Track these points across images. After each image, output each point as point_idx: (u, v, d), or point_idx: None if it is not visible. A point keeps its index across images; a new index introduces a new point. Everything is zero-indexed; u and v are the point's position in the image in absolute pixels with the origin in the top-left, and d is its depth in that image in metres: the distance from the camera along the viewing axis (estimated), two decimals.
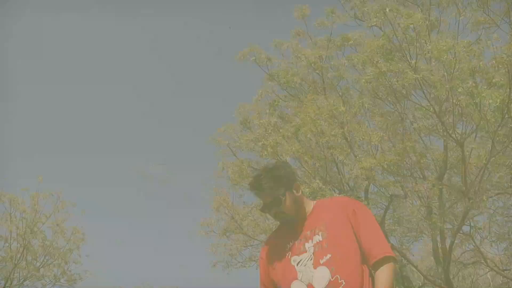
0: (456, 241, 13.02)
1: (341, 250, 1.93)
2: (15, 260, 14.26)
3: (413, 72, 6.81)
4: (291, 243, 2.05)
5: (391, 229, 11.85)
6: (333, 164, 9.50)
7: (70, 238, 15.73)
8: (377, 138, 8.51)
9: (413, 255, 13.09)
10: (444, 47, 6.39)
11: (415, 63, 6.92)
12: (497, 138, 7.35)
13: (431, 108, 7.55)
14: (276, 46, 11.27)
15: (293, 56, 10.71)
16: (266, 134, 8.65)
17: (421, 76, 6.86)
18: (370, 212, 2.19)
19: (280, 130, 8.85)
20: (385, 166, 7.81)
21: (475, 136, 8.49)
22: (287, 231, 2.10)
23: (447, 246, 9.73)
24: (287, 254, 2.03)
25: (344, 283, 1.86)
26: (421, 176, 9.79)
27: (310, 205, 2.15)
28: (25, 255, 14.50)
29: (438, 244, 9.80)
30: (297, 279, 1.96)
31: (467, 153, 8.74)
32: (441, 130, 7.85)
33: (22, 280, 14.72)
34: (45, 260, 15.21)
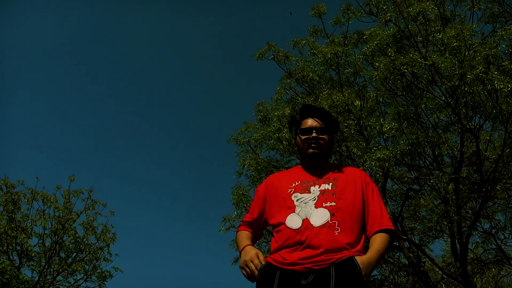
0: (478, 240, 12.88)
1: (346, 204, 2.08)
2: (48, 255, 14.96)
3: (422, 60, 6.91)
4: (296, 183, 2.20)
5: (410, 226, 11.88)
6: (348, 158, 9.65)
7: (100, 236, 16.46)
8: (391, 131, 8.61)
9: (431, 251, 13.00)
10: (452, 33, 6.49)
11: (425, 51, 7.02)
12: (510, 129, 7.34)
13: (443, 97, 7.61)
14: (295, 45, 11.54)
15: (310, 53, 10.93)
16: (281, 127, 8.89)
17: (430, 62, 6.94)
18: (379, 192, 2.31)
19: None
20: (398, 156, 7.89)
21: (491, 128, 8.47)
22: (295, 175, 2.30)
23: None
24: (290, 191, 2.17)
25: (340, 229, 1.99)
26: (438, 169, 9.84)
27: (333, 164, 2.45)
28: (57, 251, 15.23)
29: (456, 239, 9.72)
30: (294, 212, 2.08)
31: (483, 145, 8.76)
32: (455, 121, 7.88)
33: (55, 275, 15.43)
34: (76, 257, 15.94)
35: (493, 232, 11.28)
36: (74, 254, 15.82)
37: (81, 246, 15.79)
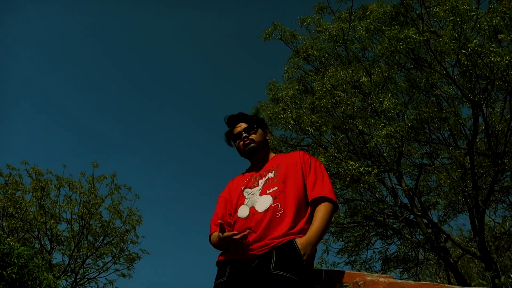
0: (506, 214, 12.60)
1: (288, 186, 2.26)
2: (77, 239, 15.73)
3: (417, 35, 6.77)
4: (247, 180, 2.46)
5: (433, 201, 11.75)
6: (358, 134, 9.59)
7: (126, 219, 17.11)
8: (396, 106, 8.50)
9: (451, 228, 12.84)
10: (447, 7, 6.30)
11: (422, 26, 6.84)
12: None
13: (444, 72, 7.43)
14: (302, 23, 11.43)
15: (315, 31, 10.82)
16: (285, 107, 8.93)
17: (423, 38, 6.79)
18: (323, 166, 2.46)
19: (298, 102, 9.10)
20: (402, 133, 7.80)
21: (504, 103, 8.18)
22: (246, 175, 2.56)
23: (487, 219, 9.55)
24: (242, 187, 2.42)
25: (282, 210, 2.16)
26: (452, 144, 9.65)
27: (272, 154, 2.63)
28: (85, 235, 15.98)
29: (474, 215, 9.57)
30: (244, 203, 2.30)
31: (497, 118, 8.51)
32: (461, 96, 7.69)
33: (84, 258, 16.23)
34: (104, 240, 16.67)
35: None
36: (102, 237, 16.53)
37: (107, 229, 16.46)
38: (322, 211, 2.17)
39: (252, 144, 2.48)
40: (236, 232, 2.10)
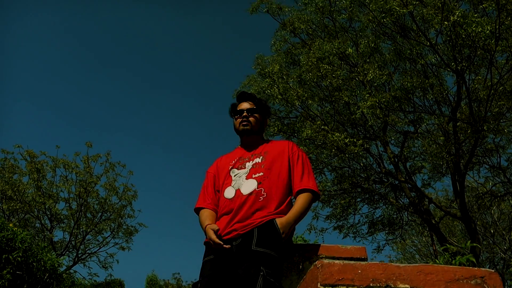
0: (488, 175, 13.02)
1: (273, 173, 2.41)
2: (76, 217, 16.03)
3: (401, 7, 6.84)
4: (234, 160, 2.58)
5: (417, 166, 12.10)
6: (344, 105, 9.76)
7: (122, 195, 17.40)
8: (382, 77, 8.64)
9: (435, 190, 13.28)
10: None
11: None
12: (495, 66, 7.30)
13: (428, 43, 7.55)
14: None
15: (302, 3, 10.76)
16: (272, 83, 9.04)
17: (406, 11, 6.86)
18: (308, 159, 2.60)
19: (285, 78, 9.20)
20: (386, 103, 8.00)
21: (487, 72, 8.31)
22: (235, 154, 2.70)
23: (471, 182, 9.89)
24: (230, 167, 2.55)
25: (265, 195, 2.31)
26: (436, 111, 9.88)
27: (265, 140, 2.76)
28: (84, 213, 16.27)
29: (456, 178, 9.92)
30: (230, 185, 2.44)
31: (480, 86, 8.71)
32: (443, 65, 7.84)
33: (84, 235, 16.58)
34: (102, 216, 17.00)
35: (506, 165, 11.48)
36: (100, 214, 16.84)
37: (105, 206, 16.75)
38: (303, 197, 2.36)
39: (247, 127, 2.60)
40: (221, 243, 2.25)
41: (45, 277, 5.36)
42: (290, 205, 2.41)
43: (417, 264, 1.49)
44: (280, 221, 2.24)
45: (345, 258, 2.75)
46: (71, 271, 11.42)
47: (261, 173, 2.41)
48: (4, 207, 14.46)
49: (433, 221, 10.26)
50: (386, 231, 11.83)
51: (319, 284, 1.43)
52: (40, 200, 14.95)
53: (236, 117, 2.66)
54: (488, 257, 19.24)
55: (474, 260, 3.39)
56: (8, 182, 14.63)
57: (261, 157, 2.52)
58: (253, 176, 2.41)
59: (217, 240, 2.25)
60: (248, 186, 2.37)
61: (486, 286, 1.47)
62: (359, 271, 1.45)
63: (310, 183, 2.43)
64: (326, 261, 1.43)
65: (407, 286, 1.44)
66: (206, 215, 2.49)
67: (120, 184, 17.41)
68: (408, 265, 1.49)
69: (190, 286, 28.65)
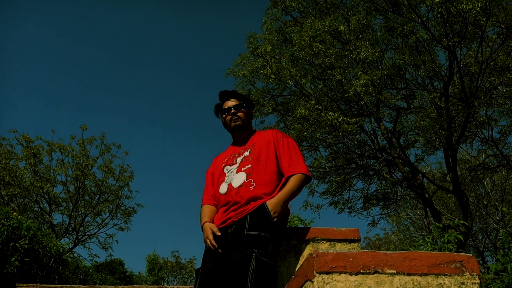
0: (481, 147, 13.25)
1: (259, 163, 2.55)
2: (74, 200, 16.22)
3: None
4: (227, 158, 2.75)
5: (411, 140, 12.31)
6: (338, 83, 9.85)
7: (118, 176, 17.56)
8: (374, 55, 8.71)
9: (428, 164, 13.55)
10: None
11: None
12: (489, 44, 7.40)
13: (419, 20, 7.60)
14: None
15: None
16: (265, 63, 9.09)
17: None
18: (295, 143, 2.72)
19: (277, 57, 9.25)
20: (379, 81, 8.11)
21: (478, 47, 8.38)
22: (228, 152, 2.86)
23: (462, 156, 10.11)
24: (223, 165, 2.72)
25: (255, 185, 2.45)
26: (428, 87, 10.00)
27: (253, 132, 2.88)
28: (81, 195, 16.46)
29: (448, 152, 10.14)
30: (224, 181, 2.61)
31: (472, 61, 8.80)
32: (434, 40, 7.92)
33: (83, 217, 16.83)
34: (100, 198, 17.20)
35: (498, 138, 11.71)
36: (97, 196, 17.04)
37: (102, 188, 16.93)
38: (294, 178, 2.48)
39: (238, 122, 2.73)
40: (215, 245, 2.40)
41: (51, 262, 5.57)
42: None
43: (402, 251, 1.66)
44: (270, 201, 2.38)
45: (339, 240, 2.95)
46: (75, 254, 11.66)
47: (249, 165, 2.55)
48: (3, 192, 14.60)
49: (427, 195, 10.54)
50: (381, 206, 12.14)
51: (315, 272, 1.59)
52: (38, 185, 15.10)
53: (224, 115, 2.78)
54: (481, 227, 19.76)
55: (461, 237, 3.58)
56: (5, 168, 14.72)
57: (249, 150, 2.65)
58: (242, 169, 2.56)
59: (213, 242, 2.40)
60: (238, 179, 2.53)
61: (464, 269, 1.64)
62: (351, 259, 1.61)
63: (299, 167, 2.54)
64: (321, 250, 1.59)
65: (393, 271, 1.61)
66: (206, 211, 2.65)
67: (116, 165, 17.58)
68: (395, 252, 1.65)
69: (189, 263, 29.30)
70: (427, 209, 12.23)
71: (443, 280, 1.61)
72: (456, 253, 1.67)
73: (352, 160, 10.78)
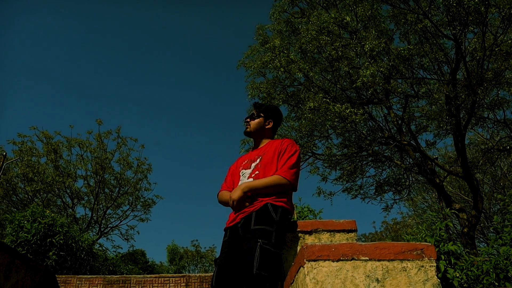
0: (493, 130, 13.48)
1: (265, 170, 2.93)
2: (95, 193, 17.02)
3: None
4: (245, 161, 3.15)
5: (422, 125, 12.60)
6: (346, 74, 10.21)
7: (136, 169, 18.29)
8: (382, 44, 9.03)
9: (437, 150, 13.82)
10: None
11: None
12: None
13: (421, 11, 7.90)
14: None
15: None
16: (273, 57, 9.50)
17: None
18: (295, 150, 3.04)
19: (285, 51, 9.64)
20: (385, 71, 8.46)
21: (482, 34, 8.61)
22: (248, 155, 3.34)
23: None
24: (240, 168, 3.13)
25: None
26: (436, 72, 10.29)
27: (267, 140, 3.32)
28: (102, 188, 17.25)
29: (458, 138, 10.43)
30: (238, 185, 2.98)
31: (476, 46, 9.05)
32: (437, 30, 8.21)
33: (105, 209, 17.64)
34: (120, 191, 17.98)
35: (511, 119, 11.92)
36: (117, 189, 17.81)
37: (121, 181, 17.69)
38: (272, 176, 2.86)
39: (247, 129, 3.20)
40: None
41: (83, 255, 6.20)
42: (286, 192, 2.93)
43: (374, 243, 2.15)
44: (247, 184, 2.83)
45: (338, 230, 3.46)
46: (103, 247, 12.40)
47: (257, 172, 2.97)
48: (27, 188, 15.44)
49: (437, 180, 10.90)
50: (393, 191, 12.53)
51: (305, 260, 2.10)
52: (60, 180, 15.90)
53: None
54: (500, 208, 19.98)
55: (451, 224, 4.03)
56: (28, 165, 15.54)
57: (260, 158, 3.06)
58: (252, 175, 2.98)
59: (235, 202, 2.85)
60: None
61: (424, 255, 2.14)
62: (333, 249, 2.11)
63: (285, 173, 2.87)
64: (309, 243, 2.10)
65: (367, 258, 2.11)
66: (225, 193, 3.12)
67: (134, 158, 18.31)
68: (368, 243, 2.15)
69: (209, 251, 30.17)
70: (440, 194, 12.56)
71: (406, 264, 2.10)
72: (418, 243, 2.15)
73: (363, 148, 11.17)
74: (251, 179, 2.98)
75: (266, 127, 3.28)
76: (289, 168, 2.93)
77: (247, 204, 2.90)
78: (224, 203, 3.10)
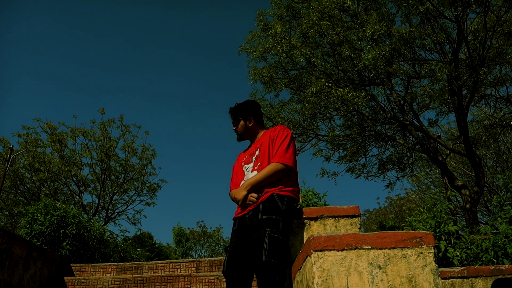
0: (496, 106, 13.54)
1: (266, 159, 3.06)
2: (101, 180, 17.28)
3: None
4: (246, 157, 3.31)
5: (425, 103, 12.68)
6: (347, 58, 10.25)
7: (141, 155, 18.52)
8: (383, 28, 9.05)
9: (440, 127, 13.91)
10: None
11: None
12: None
13: None
14: None
15: None
16: (275, 44, 9.55)
17: None
18: (286, 133, 3.14)
19: (287, 37, 9.68)
20: (387, 55, 8.51)
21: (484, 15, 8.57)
22: (247, 151, 3.49)
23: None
24: (242, 163, 3.29)
25: None
26: (439, 52, 10.31)
27: (261, 132, 3.47)
28: (108, 175, 17.51)
29: (459, 116, 10.52)
30: (243, 180, 3.15)
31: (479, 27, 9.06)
32: (441, 9, 8.22)
33: (111, 196, 17.94)
34: (125, 177, 18.24)
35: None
36: (123, 175, 18.06)
37: (126, 167, 17.93)
38: (269, 166, 2.98)
39: (237, 137, 3.38)
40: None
41: (94, 243, 6.43)
42: (288, 178, 3.06)
43: (376, 232, 2.31)
44: (248, 182, 3.00)
45: (342, 216, 3.62)
46: (114, 234, 12.69)
47: (259, 163, 3.10)
48: (34, 178, 15.70)
49: (440, 158, 11.04)
50: (396, 169, 12.70)
51: (312, 250, 2.27)
52: (66, 169, 16.15)
53: None
54: (504, 183, 20.12)
55: (451, 206, 4.19)
56: (34, 156, 15.76)
57: (258, 150, 3.19)
58: (255, 168, 3.12)
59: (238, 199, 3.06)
60: None
61: (422, 242, 2.30)
62: (338, 240, 2.28)
63: (281, 158, 3.00)
64: (316, 234, 2.26)
65: (369, 247, 2.27)
66: (233, 192, 3.23)
67: (138, 145, 18.52)
68: (370, 233, 2.31)
69: (215, 231, 30.65)
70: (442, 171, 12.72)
71: (406, 251, 2.27)
72: (417, 231, 2.31)
73: (366, 128, 11.28)
74: (255, 172, 3.11)
75: (250, 125, 3.40)
76: (283, 152, 3.03)
77: (255, 199, 3.03)
78: (234, 200, 3.27)
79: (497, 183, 20.50)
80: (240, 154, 3.53)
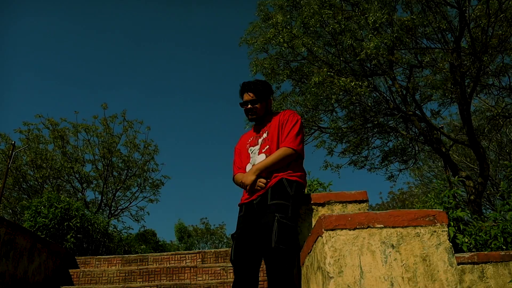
0: (498, 96, 13.45)
1: (273, 143, 3.00)
2: (103, 177, 17.23)
3: None
4: (251, 139, 3.23)
5: (427, 94, 12.61)
6: (349, 47, 10.17)
7: (143, 151, 18.45)
8: (385, 16, 8.98)
9: (442, 119, 13.84)
10: None
11: None
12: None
13: None
14: None
15: None
16: (276, 33, 9.47)
17: None
18: (296, 119, 3.07)
19: (288, 27, 9.60)
20: (389, 43, 8.44)
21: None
22: (251, 132, 3.39)
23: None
24: (247, 145, 3.20)
25: None
26: (441, 41, 10.23)
27: (271, 114, 3.35)
28: (110, 172, 17.45)
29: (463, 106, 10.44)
30: (249, 162, 3.11)
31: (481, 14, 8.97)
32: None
33: (114, 192, 17.89)
34: (128, 173, 18.18)
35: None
36: (125, 171, 18.01)
37: (128, 164, 17.87)
38: (278, 150, 2.93)
39: (255, 116, 3.19)
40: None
41: (99, 236, 6.39)
42: (296, 163, 3.02)
43: (388, 211, 2.25)
44: (256, 166, 2.95)
45: (350, 201, 3.56)
46: (118, 229, 12.68)
47: (267, 146, 3.03)
48: (36, 175, 15.66)
49: (443, 149, 10.98)
50: (399, 161, 12.64)
51: (323, 229, 2.21)
52: (68, 165, 16.10)
53: (243, 107, 3.21)
54: (506, 174, 20.05)
55: (459, 191, 4.13)
56: (36, 152, 15.71)
57: (267, 132, 3.12)
58: (262, 150, 3.05)
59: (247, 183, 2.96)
60: (259, 160, 3.02)
61: (436, 221, 2.24)
62: (349, 219, 2.22)
63: (287, 142, 2.96)
64: (327, 214, 2.20)
65: (382, 225, 2.22)
66: (240, 176, 3.16)
67: (141, 140, 18.45)
68: (383, 211, 2.25)
69: (218, 228, 30.65)
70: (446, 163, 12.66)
71: (420, 230, 2.21)
72: (430, 210, 2.25)
73: (368, 120, 11.22)
74: (262, 155, 3.07)
75: (269, 107, 3.33)
76: (293, 137, 2.98)
77: (264, 184, 2.96)
78: (240, 185, 3.17)
79: (499, 175, 20.42)
80: (243, 135, 3.44)
